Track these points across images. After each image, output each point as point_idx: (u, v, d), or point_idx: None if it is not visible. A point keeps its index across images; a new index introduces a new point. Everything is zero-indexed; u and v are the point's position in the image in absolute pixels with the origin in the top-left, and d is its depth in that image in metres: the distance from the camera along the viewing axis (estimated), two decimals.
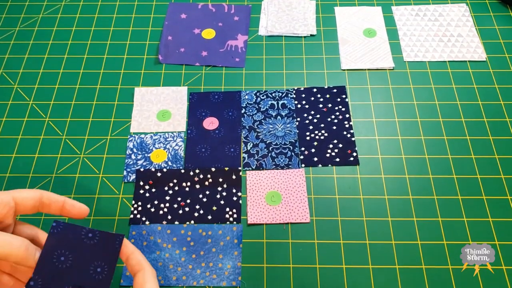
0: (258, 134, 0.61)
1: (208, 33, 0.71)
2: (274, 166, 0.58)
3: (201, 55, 0.68)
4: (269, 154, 0.59)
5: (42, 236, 0.41)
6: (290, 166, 0.58)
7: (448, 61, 0.66)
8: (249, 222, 0.54)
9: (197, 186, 0.57)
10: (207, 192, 0.56)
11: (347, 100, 0.63)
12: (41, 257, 0.37)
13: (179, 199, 0.56)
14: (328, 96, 0.64)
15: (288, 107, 0.63)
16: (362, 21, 0.71)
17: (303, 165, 0.58)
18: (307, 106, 0.63)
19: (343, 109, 0.62)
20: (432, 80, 0.65)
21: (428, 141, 0.59)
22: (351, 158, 0.58)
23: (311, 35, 0.70)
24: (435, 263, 0.51)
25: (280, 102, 0.63)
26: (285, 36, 0.70)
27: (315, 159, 0.58)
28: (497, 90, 0.63)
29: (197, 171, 0.58)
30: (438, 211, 0.54)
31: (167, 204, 0.56)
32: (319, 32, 0.70)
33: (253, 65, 0.67)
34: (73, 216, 0.42)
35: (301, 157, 0.58)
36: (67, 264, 0.38)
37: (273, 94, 0.64)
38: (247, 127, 0.61)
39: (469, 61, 0.66)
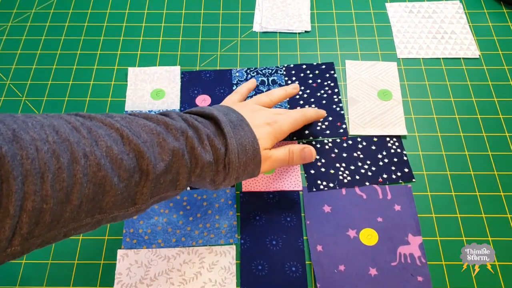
0: None
1: None
2: None
3: None
4: None
5: None
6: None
7: (442, 58, 0.66)
8: (243, 190, 0.56)
9: None
10: None
11: (335, 75, 0.65)
12: None
13: None
14: (317, 72, 0.65)
15: (278, 83, 0.64)
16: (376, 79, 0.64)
17: (294, 138, 0.59)
18: (297, 82, 0.64)
19: (332, 84, 0.64)
20: (426, 77, 0.65)
21: (421, 137, 0.59)
22: (341, 130, 0.60)
23: (305, 31, 0.70)
24: (429, 259, 0.51)
25: (270, 79, 0.64)
26: (279, 32, 0.70)
27: (306, 132, 0.60)
28: (491, 87, 0.64)
29: None
30: (431, 208, 0.54)
31: None
32: (313, 28, 0.70)
33: (247, 61, 0.67)
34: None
35: None
36: None
37: (263, 71, 0.65)
38: None
39: (463, 58, 0.66)
